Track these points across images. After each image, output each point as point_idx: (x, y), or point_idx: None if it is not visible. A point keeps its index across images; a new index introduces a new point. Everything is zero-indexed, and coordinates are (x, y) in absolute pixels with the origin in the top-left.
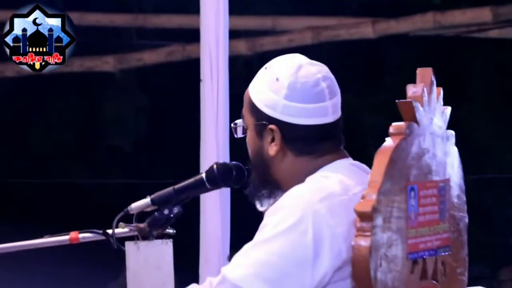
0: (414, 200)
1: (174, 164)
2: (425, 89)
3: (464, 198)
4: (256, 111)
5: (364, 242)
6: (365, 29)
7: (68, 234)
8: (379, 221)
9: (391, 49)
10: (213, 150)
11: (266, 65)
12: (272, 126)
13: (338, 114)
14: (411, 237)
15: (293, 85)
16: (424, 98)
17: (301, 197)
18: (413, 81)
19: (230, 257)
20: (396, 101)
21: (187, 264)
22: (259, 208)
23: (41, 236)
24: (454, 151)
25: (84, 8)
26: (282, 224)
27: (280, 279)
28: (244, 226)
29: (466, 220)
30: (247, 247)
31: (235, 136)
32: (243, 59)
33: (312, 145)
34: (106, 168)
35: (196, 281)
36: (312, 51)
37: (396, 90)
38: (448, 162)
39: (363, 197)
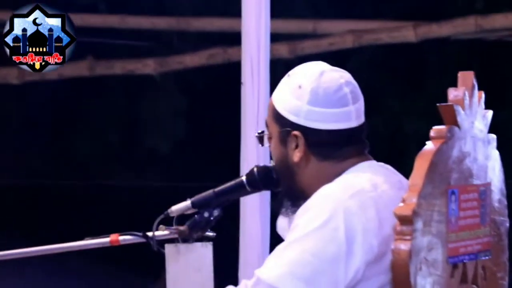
0: (454, 204)
1: (214, 167)
2: (466, 92)
3: (505, 202)
4: (279, 119)
5: (404, 246)
6: (406, 32)
7: (108, 237)
8: (419, 224)
9: (433, 53)
10: (254, 153)
11: (289, 73)
12: (295, 132)
13: (362, 119)
14: (452, 241)
15: (315, 90)
16: (465, 101)
17: (331, 195)
18: (454, 85)
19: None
20: (437, 104)
21: (226, 267)
22: (284, 217)
23: (82, 238)
24: (495, 155)
25: (126, 11)
26: (313, 222)
27: (315, 277)
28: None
29: (507, 224)
30: (280, 247)
31: (261, 145)
32: (284, 62)
33: (337, 149)
34: (146, 170)
35: (236, 284)
36: (353, 55)
37: (438, 94)
38: (489, 165)
39: (403, 201)
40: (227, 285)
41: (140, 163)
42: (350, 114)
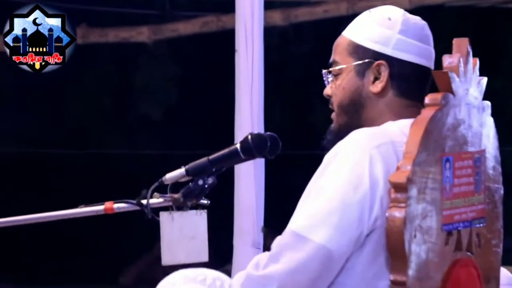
0: (449, 171)
1: (207, 136)
2: (461, 59)
3: (500, 170)
4: (358, 52)
5: (398, 213)
6: (400, 0)
7: (103, 204)
8: (413, 192)
9: (426, 19)
10: (248, 121)
11: (368, 11)
12: (381, 61)
13: (433, 65)
14: (446, 209)
15: (406, 22)
16: (460, 68)
17: (359, 141)
18: (449, 52)
19: (264, 228)
20: (432, 71)
21: (221, 235)
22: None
23: (76, 206)
24: (490, 122)
25: None
26: (340, 169)
27: (343, 223)
28: (278, 196)
29: (502, 191)
30: (308, 196)
31: (326, 83)
32: (278, 29)
33: (415, 87)
34: (139, 138)
35: (230, 252)
36: (347, 22)
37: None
38: (483, 133)
39: (398, 168)
40: (221, 252)
41: (133, 131)
42: (431, 54)
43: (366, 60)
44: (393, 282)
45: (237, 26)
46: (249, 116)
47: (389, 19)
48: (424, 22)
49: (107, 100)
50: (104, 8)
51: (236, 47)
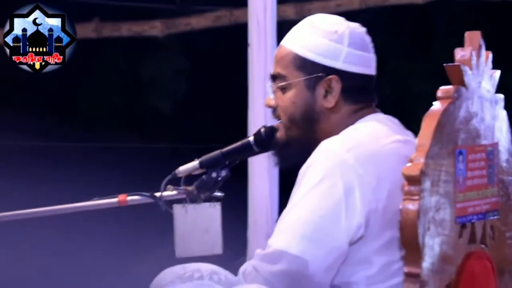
0: (462, 164)
1: (221, 130)
2: (473, 52)
3: None
4: (305, 66)
5: (412, 206)
6: None
7: (116, 197)
8: (427, 184)
9: (439, 14)
10: (261, 114)
11: (307, 21)
12: (332, 77)
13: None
14: (459, 201)
15: (353, 34)
16: (472, 61)
17: (328, 150)
18: (461, 45)
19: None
20: (444, 64)
21: (235, 227)
22: (278, 165)
23: (90, 199)
24: (503, 115)
25: None
26: (312, 180)
27: (318, 234)
28: (292, 188)
29: None
30: (285, 212)
31: (271, 96)
32: (291, 23)
33: (364, 95)
34: (152, 132)
35: (244, 244)
36: (359, 16)
37: (445, 55)
38: (496, 126)
39: (411, 161)
40: (235, 245)
41: (146, 124)
42: (374, 61)
43: (316, 75)
44: (407, 274)
45: (250, 20)
46: (262, 110)
47: (336, 32)
48: (364, 29)
49: (120, 94)
50: (117, 2)
51: (249, 41)
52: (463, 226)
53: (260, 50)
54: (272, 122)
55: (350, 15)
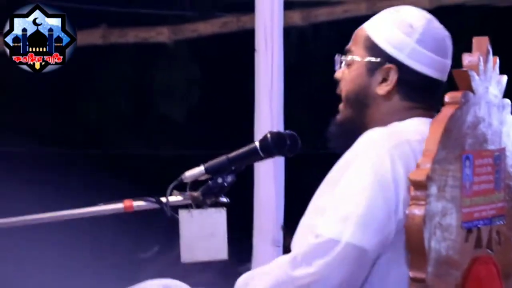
0: (469, 169)
1: (227, 136)
2: (481, 58)
3: None
4: (373, 49)
5: (418, 211)
6: None
7: (122, 202)
8: (433, 190)
9: (447, 19)
10: (267, 120)
11: (394, 8)
12: (391, 65)
13: (446, 77)
14: (466, 206)
15: (426, 32)
16: (480, 67)
17: (376, 142)
18: (469, 51)
19: (284, 226)
20: (452, 70)
21: (241, 233)
22: (337, 146)
23: (95, 204)
24: (510, 120)
25: None
26: (361, 170)
27: (372, 223)
28: (298, 194)
29: None
30: (335, 201)
31: (336, 68)
32: (298, 29)
33: (422, 96)
34: (159, 139)
35: (250, 250)
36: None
37: (452, 60)
38: (503, 131)
39: (417, 166)
40: (241, 251)
41: (152, 131)
42: (446, 67)
43: (378, 60)
44: (413, 279)
45: (257, 26)
46: (268, 116)
47: (411, 25)
48: (445, 34)
49: (127, 101)
50: (124, 9)
51: (256, 47)
52: (469, 231)
53: (267, 56)
54: (278, 127)
55: (357, 21)
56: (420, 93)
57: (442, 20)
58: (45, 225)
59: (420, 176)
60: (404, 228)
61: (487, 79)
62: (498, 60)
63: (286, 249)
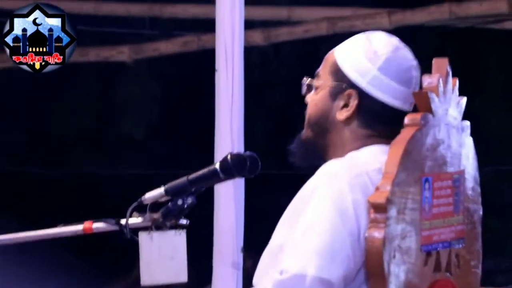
0: (428, 191)
1: (188, 155)
2: (440, 79)
3: (479, 190)
4: (337, 73)
5: (378, 234)
6: (381, 20)
7: (82, 224)
8: (393, 212)
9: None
10: (228, 140)
11: (366, 34)
12: (351, 91)
13: (411, 107)
14: (425, 229)
15: (390, 60)
16: (439, 88)
17: (335, 174)
18: (428, 72)
19: (243, 249)
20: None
21: (200, 255)
22: (296, 163)
23: (55, 226)
24: (469, 142)
25: None
26: (322, 202)
27: (337, 254)
28: (258, 217)
29: (481, 212)
30: (296, 237)
31: (302, 91)
32: (259, 49)
33: (381, 124)
34: (120, 157)
35: (210, 272)
36: (327, 42)
37: None
38: (463, 153)
39: (377, 189)
40: (201, 273)
41: (114, 150)
42: (409, 97)
43: (341, 85)
44: None
45: (218, 45)
46: (229, 136)
47: (375, 52)
48: (412, 64)
49: (88, 120)
50: (85, 27)
51: (216, 67)
52: (428, 254)
53: (228, 76)
54: (238, 147)
55: (318, 41)
56: (379, 120)
57: (402, 41)
58: (3, 248)
59: (380, 199)
60: (364, 252)
61: (447, 101)
62: (457, 82)
63: (246, 272)
